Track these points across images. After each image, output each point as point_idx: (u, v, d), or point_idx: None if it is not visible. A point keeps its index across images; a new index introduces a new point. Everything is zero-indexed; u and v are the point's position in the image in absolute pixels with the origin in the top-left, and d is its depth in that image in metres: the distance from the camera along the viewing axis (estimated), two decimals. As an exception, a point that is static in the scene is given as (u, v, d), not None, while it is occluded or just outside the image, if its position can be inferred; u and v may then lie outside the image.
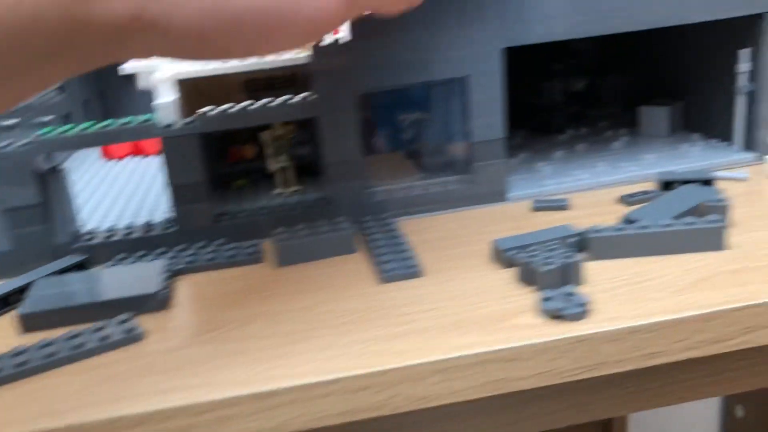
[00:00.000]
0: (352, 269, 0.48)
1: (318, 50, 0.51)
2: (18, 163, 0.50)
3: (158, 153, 0.85)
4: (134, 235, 0.53)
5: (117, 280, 0.47)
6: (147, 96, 1.11)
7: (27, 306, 0.44)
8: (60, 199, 0.52)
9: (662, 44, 0.71)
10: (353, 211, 0.55)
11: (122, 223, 0.57)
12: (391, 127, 0.67)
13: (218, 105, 0.54)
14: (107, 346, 0.40)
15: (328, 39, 0.52)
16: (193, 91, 0.63)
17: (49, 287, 0.46)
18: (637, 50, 0.77)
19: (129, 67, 0.58)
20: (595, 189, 0.58)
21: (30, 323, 0.43)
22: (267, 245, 0.53)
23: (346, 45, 0.52)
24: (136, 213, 0.61)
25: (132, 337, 0.41)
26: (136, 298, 0.44)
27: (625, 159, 0.63)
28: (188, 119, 0.52)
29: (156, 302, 0.44)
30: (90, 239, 0.53)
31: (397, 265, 0.47)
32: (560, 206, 0.55)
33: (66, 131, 0.51)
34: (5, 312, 0.47)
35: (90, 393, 0.36)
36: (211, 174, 0.65)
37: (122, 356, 0.40)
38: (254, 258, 0.51)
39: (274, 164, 0.63)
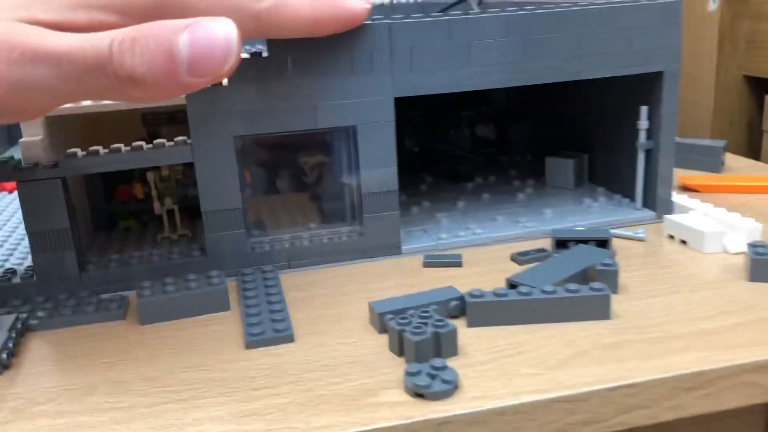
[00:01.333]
0: (220, 330, 0.45)
1: (191, 93, 0.48)
2: None
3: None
4: (-12, 285, 0.49)
5: (-49, 339, 0.42)
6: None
7: None
8: None
9: (571, 95, 0.70)
10: (234, 262, 0.52)
11: (-12, 266, 0.53)
12: (294, 168, 0.64)
13: (108, 142, 0.51)
14: None
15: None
16: (75, 125, 0.59)
17: None
18: (546, 100, 0.76)
19: None
20: (491, 244, 0.56)
21: None
22: (134, 299, 0.49)
23: (223, 88, 0.49)
24: (4, 258, 0.57)
25: (-49, 410, 0.36)
26: (-35, 362, 0.39)
27: (525, 213, 0.62)
28: (50, 162, 0.48)
29: (-10, 367, 0.40)
30: (-65, 288, 0.48)
31: (266, 327, 0.43)
32: (452, 263, 0.53)
33: None
34: None
35: None
36: (91, 211, 0.61)
37: (-65, 433, 0.35)
38: (117, 314, 0.47)
39: (159, 207, 0.60)
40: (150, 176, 0.58)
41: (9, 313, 0.46)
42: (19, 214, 0.68)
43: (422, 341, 0.38)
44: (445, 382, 0.36)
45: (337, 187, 0.57)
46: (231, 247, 0.52)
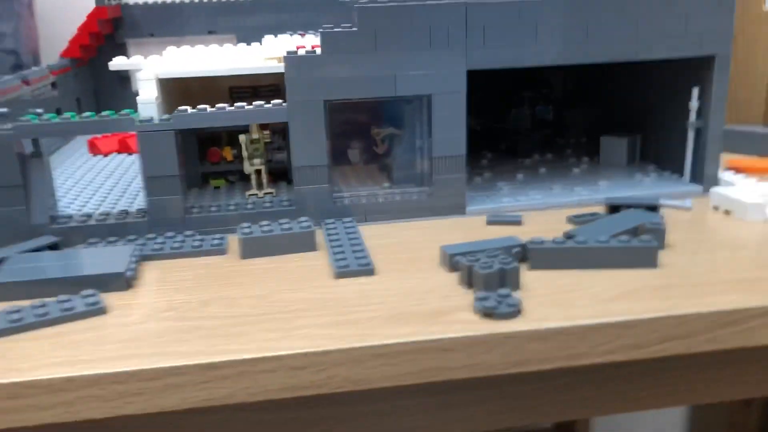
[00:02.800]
0: (310, 265, 0.51)
1: (289, 60, 0.55)
2: (1, 145, 0.53)
3: (141, 152, 0.88)
4: (108, 222, 0.56)
5: (87, 259, 0.50)
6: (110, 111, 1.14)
7: (-1, 277, 0.47)
8: (40, 183, 0.55)
9: (626, 79, 0.75)
10: (318, 213, 0.59)
11: (99, 211, 0.60)
12: (366, 140, 0.71)
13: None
14: (70, 316, 0.43)
15: (301, 50, 0.56)
16: (176, 91, 0.67)
17: (21, 262, 0.49)
18: (602, 84, 0.81)
19: (117, 64, 0.61)
20: (548, 209, 0.62)
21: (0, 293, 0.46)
22: (232, 239, 0.56)
23: (317, 57, 0.55)
24: (114, 203, 0.64)
25: (94, 311, 0.44)
26: (102, 276, 0.47)
27: (580, 184, 0.67)
28: (165, 116, 0.55)
29: (122, 282, 0.47)
30: (65, 222, 0.56)
31: (351, 261, 0.50)
32: (513, 221, 0.58)
33: (50, 119, 0.54)
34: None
35: (50, 356, 0.39)
36: (187, 170, 0.68)
37: (84, 327, 0.42)
38: (219, 249, 0.54)
39: (249, 166, 0.66)
40: (242, 138, 0.65)
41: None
42: (117, 173, 0.76)
43: (490, 274, 0.44)
44: (510, 305, 0.42)
45: (409, 152, 0.64)
46: (316, 199, 0.58)
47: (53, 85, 0.93)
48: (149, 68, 0.58)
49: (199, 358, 0.38)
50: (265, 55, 0.61)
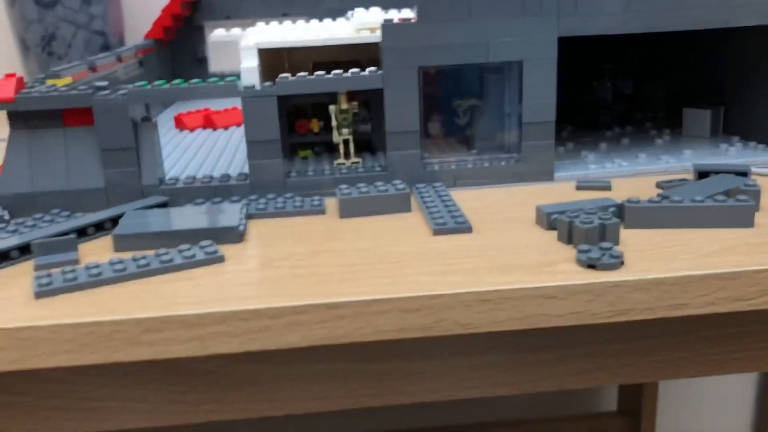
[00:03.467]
0: (407, 223, 0.53)
1: (387, 28, 0.57)
2: (117, 109, 0.56)
3: (227, 126, 0.91)
4: (212, 184, 0.59)
5: (200, 215, 0.52)
6: (215, 77, 1.18)
7: (121, 228, 0.50)
8: (149, 147, 0.58)
9: (707, 50, 0.75)
10: (409, 177, 0.61)
11: (200, 174, 0.63)
12: (447, 113, 0.72)
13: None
14: (192, 263, 0.46)
15: (396, 18, 0.58)
16: (268, 63, 0.69)
17: (139, 217, 0.52)
18: (682, 55, 0.81)
19: (218, 35, 0.64)
20: (635, 176, 0.63)
21: (123, 243, 0.49)
22: (329, 202, 0.58)
23: (413, 25, 0.57)
24: (211, 168, 0.67)
25: (214, 259, 0.46)
26: (218, 229, 0.49)
27: (665, 153, 0.67)
28: (268, 83, 0.58)
29: (235, 234, 0.50)
30: (173, 184, 0.59)
31: (448, 220, 0.51)
32: (603, 186, 0.59)
33: (160, 84, 0.57)
34: (98, 236, 0.53)
35: (180, 296, 0.42)
36: (283, 136, 0.71)
37: (205, 272, 0.45)
38: (319, 209, 0.56)
39: (337, 136, 0.69)
40: (332, 108, 0.67)
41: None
42: (207, 145, 0.80)
43: (591, 228, 0.46)
44: (613, 257, 0.43)
45: (491, 122, 0.65)
46: (408, 164, 0.60)
47: (140, 63, 0.97)
48: (250, 38, 0.60)
49: (319, 299, 0.40)
50: (356, 26, 0.63)
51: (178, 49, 1.15)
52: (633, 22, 0.59)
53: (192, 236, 0.49)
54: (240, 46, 0.60)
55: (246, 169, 0.62)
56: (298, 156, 0.74)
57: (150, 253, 0.47)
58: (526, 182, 0.62)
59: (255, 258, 0.48)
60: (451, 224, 0.51)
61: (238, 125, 0.93)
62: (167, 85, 0.57)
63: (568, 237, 0.47)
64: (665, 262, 0.44)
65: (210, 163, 0.71)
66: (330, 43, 0.62)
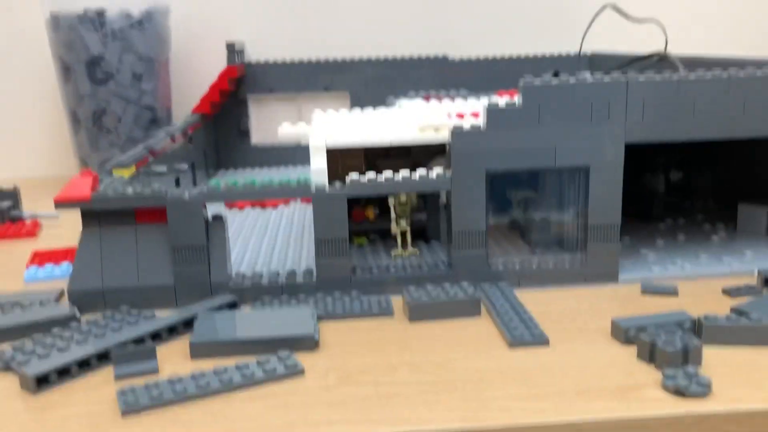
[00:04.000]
0: (480, 331, 0.53)
1: (457, 134, 0.58)
2: (190, 208, 0.57)
3: (276, 205, 0.92)
4: (279, 282, 0.59)
5: (274, 320, 0.53)
6: (257, 150, 1.20)
7: (197, 336, 0.50)
8: (219, 244, 0.59)
9: (759, 144, 0.76)
10: (473, 276, 0.61)
11: (260, 266, 0.63)
12: (499, 201, 0.73)
13: (347, 170, 0.61)
14: (273, 378, 0.46)
15: (466, 125, 0.59)
16: (332, 159, 0.70)
17: (212, 321, 0.52)
18: (733, 148, 0.81)
19: (286, 133, 0.65)
20: (698, 279, 0.62)
21: (199, 351, 0.49)
22: (395, 300, 0.58)
23: (482, 131, 0.58)
24: (269, 256, 0.68)
25: (294, 372, 0.46)
26: (294, 337, 0.49)
27: (725, 253, 0.67)
28: (338, 183, 0.58)
29: (311, 342, 0.50)
30: (241, 282, 0.59)
31: (523, 331, 0.51)
32: (669, 292, 0.59)
33: (234, 184, 0.58)
34: (171, 339, 0.53)
35: (266, 418, 0.42)
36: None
37: (287, 388, 0.45)
38: (386, 311, 0.56)
39: (395, 227, 0.69)
40: (391, 200, 0.68)
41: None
42: (259, 227, 0.80)
43: (677, 350, 0.45)
44: (700, 384, 0.43)
45: (547, 216, 0.65)
46: (473, 263, 0.61)
47: (190, 139, 0.99)
48: (319, 137, 0.61)
49: (410, 426, 0.40)
50: (418, 124, 0.64)
51: (222, 122, 1.17)
52: (698, 129, 0.60)
53: (268, 345, 0.49)
54: (310, 145, 0.61)
55: (310, 265, 0.63)
56: (353, 243, 0.74)
57: (229, 363, 0.47)
58: (591, 283, 0.62)
59: (334, 371, 0.47)
60: (528, 337, 0.51)
61: (286, 203, 0.94)
62: (241, 186, 0.58)
63: (650, 356, 0.47)
64: (755, 389, 0.43)
65: (267, 251, 0.71)
66: (398, 144, 0.63)
